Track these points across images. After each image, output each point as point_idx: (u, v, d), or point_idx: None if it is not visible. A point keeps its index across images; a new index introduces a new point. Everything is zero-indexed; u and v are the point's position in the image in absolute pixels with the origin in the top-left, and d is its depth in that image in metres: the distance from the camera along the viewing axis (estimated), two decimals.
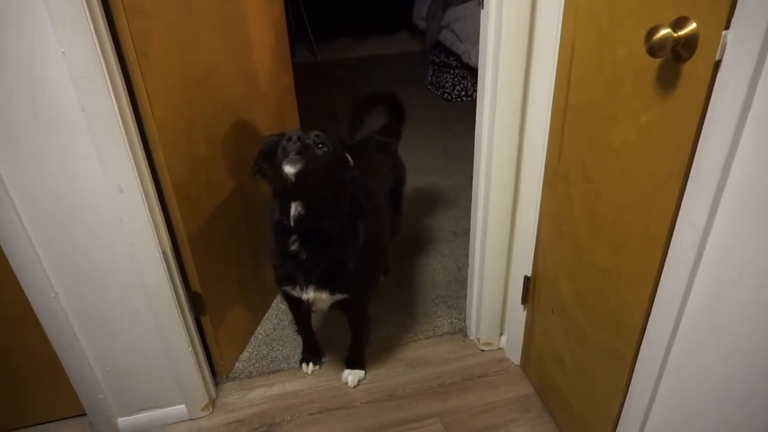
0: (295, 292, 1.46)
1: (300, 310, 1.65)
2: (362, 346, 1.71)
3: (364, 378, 1.70)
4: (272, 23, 1.84)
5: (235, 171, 1.67)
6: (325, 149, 1.25)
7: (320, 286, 1.43)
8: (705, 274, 0.85)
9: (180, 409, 1.57)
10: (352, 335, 1.69)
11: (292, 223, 1.31)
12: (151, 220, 1.28)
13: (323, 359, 1.77)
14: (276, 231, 1.38)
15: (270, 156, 1.28)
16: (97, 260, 1.30)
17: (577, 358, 1.33)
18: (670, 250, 0.91)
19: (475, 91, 3.77)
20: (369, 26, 5.45)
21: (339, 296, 1.47)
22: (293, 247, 1.35)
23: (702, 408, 0.91)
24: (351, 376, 1.68)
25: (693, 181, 0.83)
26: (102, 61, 1.09)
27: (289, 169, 1.18)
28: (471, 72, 3.77)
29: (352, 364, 1.71)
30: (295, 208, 1.29)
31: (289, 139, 1.19)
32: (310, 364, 1.74)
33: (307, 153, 1.19)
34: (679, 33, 0.79)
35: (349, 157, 1.36)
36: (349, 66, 4.88)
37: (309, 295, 1.45)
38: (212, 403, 1.62)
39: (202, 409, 1.58)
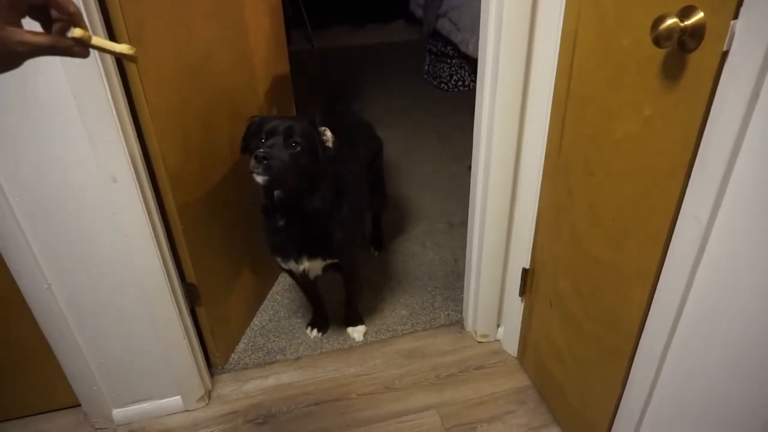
0: (289, 265, 1.56)
1: (300, 280, 1.72)
2: (356, 304, 1.84)
3: (366, 331, 1.82)
4: (268, 10, 1.81)
5: (230, 160, 1.64)
6: (297, 149, 1.32)
7: (311, 254, 1.54)
8: (707, 268, 0.84)
9: (175, 400, 1.56)
10: (346, 295, 1.80)
11: (276, 202, 1.42)
12: (145, 210, 1.26)
13: (328, 327, 1.86)
14: (264, 211, 1.48)
15: (254, 136, 1.38)
16: (90, 251, 1.28)
17: (574, 351, 1.33)
18: (671, 244, 0.90)
19: (473, 81, 3.77)
20: (366, 14, 5.40)
21: (330, 261, 1.58)
22: (280, 223, 1.45)
23: (701, 403, 0.91)
24: (356, 332, 1.81)
25: (697, 174, 0.82)
26: None
27: (257, 178, 1.29)
28: (468, 62, 3.74)
29: (352, 321, 1.83)
30: (276, 194, 1.41)
31: (261, 140, 1.32)
32: (315, 329, 1.83)
33: (272, 166, 1.27)
34: (686, 22, 0.77)
35: (329, 134, 1.42)
36: (345, 54, 4.84)
37: (304, 265, 1.55)
38: (208, 394, 1.61)
39: (198, 401, 1.58)
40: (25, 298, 1.30)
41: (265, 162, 1.25)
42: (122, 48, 0.64)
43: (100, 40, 0.62)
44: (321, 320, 1.84)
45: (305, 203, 1.41)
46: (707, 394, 0.89)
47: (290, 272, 1.65)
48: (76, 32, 0.59)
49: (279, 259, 1.58)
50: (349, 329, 1.82)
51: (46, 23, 0.61)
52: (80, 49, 0.61)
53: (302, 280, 1.69)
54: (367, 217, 2.06)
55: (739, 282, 0.78)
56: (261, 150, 1.26)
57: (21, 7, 0.57)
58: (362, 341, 1.79)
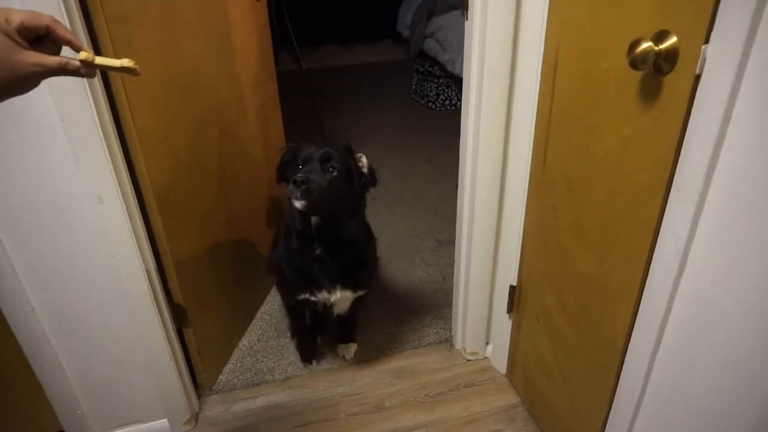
0: (320, 296, 1.52)
1: (308, 316, 1.73)
2: (355, 322, 1.81)
3: (356, 348, 1.81)
4: (256, 30, 1.83)
5: (219, 180, 1.65)
6: (335, 174, 1.32)
7: (344, 285, 1.52)
8: (688, 284, 0.86)
9: (162, 423, 1.54)
10: (350, 316, 1.74)
11: (314, 231, 1.40)
12: (132, 231, 1.26)
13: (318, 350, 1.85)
14: (298, 239, 1.45)
15: (289, 165, 1.40)
16: (76, 273, 1.27)
17: (562, 367, 1.33)
18: (653, 260, 0.92)
19: (459, 100, 3.82)
20: (353, 34, 5.48)
21: (360, 293, 1.57)
22: (317, 252, 1.43)
23: (687, 417, 0.91)
24: (347, 351, 1.78)
25: (675, 192, 0.84)
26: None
27: (296, 203, 1.28)
28: (455, 81, 3.80)
29: (345, 338, 1.80)
30: (314, 221, 1.39)
31: (299, 167, 1.32)
32: (314, 362, 1.79)
33: (311, 190, 1.26)
34: (660, 46, 0.80)
35: (364, 160, 1.43)
36: (333, 74, 4.89)
37: (336, 296, 1.52)
38: (195, 417, 1.59)
39: (185, 423, 1.55)
40: (7, 320, 1.28)
41: (304, 186, 1.24)
42: (123, 62, 0.69)
43: (102, 59, 0.68)
44: (313, 349, 1.81)
45: (343, 231, 1.41)
46: (693, 409, 0.89)
47: (305, 305, 1.62)
48: (82, 55, 0.66)
49: (306, 294, 1.53)
50: (341, 347, 1.80)
51: (49, 51, 0.66)
52: (87, 69, 0.67)
53: (320, 314, 1.70)
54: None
55: (721, 297, 0.80)
56: (299, 175, 1.26)
57: (28, 36, 0.63)
58: (351, 359, 1.78)
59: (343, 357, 1.78)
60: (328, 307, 1.60)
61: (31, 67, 0.62)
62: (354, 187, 1.38)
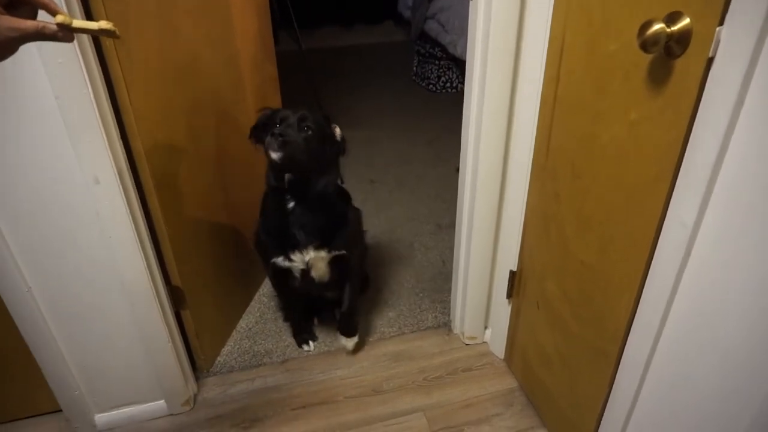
0: (294, 257, 1.51)
1: (294, 292, 1.69)
2: (355, 313, 1.73)
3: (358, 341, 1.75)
4: (256, 10, 1.79)
5: (217, 162, 1.63)
6: (309, 132, 1.38)
7: (319, 244, 1.50)
8: (692, 272, 0.85)
9: (159, 404, 1.54)
10: (346, 303, 1.68)
11: (286, 184, 1.43)
12: (129, 212, 1.24)
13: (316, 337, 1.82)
14: (272, 195, 1.49)
15: (263, 128, 1.42)
16: (72, 253, 1.26)
17: (561, 353, 1.33)
18: (657, 248, 0.91)
19: (461, 82, 3.78)
20: (354, 15, 5.39)
21: (336, 252, 1.54)
22: (290, 205, 1.46)
23: (685, 406, 0.91)
24: (350, 343, 1.73)
25: (683, 179, 0.83)
26: (77, 45, 1.04)
27: (272, 155, 1.33)
28: (456, 63, 3.76)
29: (348, 331, 1.73)
30: (287, 177, 1.42)
31: (276, 125, 1.36)
32: (310, 342, 1.78)
33: (288, 142, 1.33)
34: (673, 28, 0.78)
35: (338, 130, 1.48)
36: (333, 55, 4.83)
37: (309, 255, 1.51)
38: (193, 398, 1.59)
39: (183, 405, 1.56)
40: (4, 301, 1.27)
41: (281, 138, 1.31)
42: (101, 24, 0.67)
43: (80, 21, 0.66)
44: (308, 330, 1.81)
45: (314, 187, 1.44)
46: (692, 400, 0.89)
47: (283, 278, 1.60)
48: (59, 18, 0.64)
49: (281, 257, 1.51)
50: (343, 339, 1.72)
51: (25, 16, 0.64)
52: (64, 33, 0.65)
53: (311, 294, 1.68)
54: None
55: (724, 285, 0.79)
56: (277, 129, 1.32)
57: (2, 1, 0.61)
58: (350, 351, 1.75)
59: (347, 348, 1.74)
60: (308, 278, 1.56)
61: (6, 32, 0.60)
62: (326, 150, 1.43)
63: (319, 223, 1.49)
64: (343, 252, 1.55)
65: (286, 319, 1.86)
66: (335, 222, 1.53)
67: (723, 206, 0.77)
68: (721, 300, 0.79)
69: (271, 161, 1.36)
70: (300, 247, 1.50)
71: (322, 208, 1.49)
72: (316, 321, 1.87)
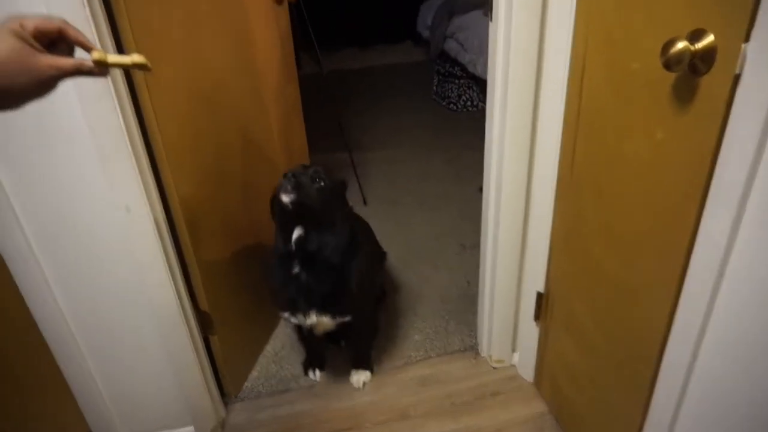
0: (296, 319, 1.50)
1: (306, 334, 1.69)
2: (368, 348, 1.73)
3: (370, 379, 1.71)
4: (278, 36, 1.84)
5: (242, 188, 1.65)
6: (322, 184, 1.36)
7: (322, 310, 1.47)
8: (727, 293, 0.82)
9: (188, 430, 1.55)
10: (355, 339, 1.70)
11: (293, 247, 1.38)
12: (159, 239, 1.27)
13: (325, 365, 1.79)
14: (279, 257, 1.44)
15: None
16: (104, 280, 1.29)
17: (593, 376, 1.30)
18: (689, 268, 0.89)
19: (481, 101, 3.78)
20: (374, 36, 5.48)
21: (340, 319, 1.51)
22: (295, 270, 1.41)
23: (727, 422, 0.88)
24: (356, 376, 1.70)
25: (713, 199, 0.81)
26: (109, 78, 1.08)
27: (284, 198, 1.30)
28: (476, 82, 3.77)
29: (359, 363, 1.72)
30: (296, 233, 1.37)
31: (285, 175, 1.33)
32: (316, 370, 1.75)
33: (300, 186, 1.30)
34: (697, 46, 0.77)
35: (349, 203, 1.49)
36: (353, 76, 4.89)
37: (312, 320, 1.48)
38: (221, 423, 1.60)
39: (212, 430, 1.56)
40: (38, 326, 1.30)
41: (294, 180, 1.29)
42: (134, 59, 0.70)
43: (114, 57, 0.69)
44: (316, 358, 1.77)
45: (322, 248, 1.38)
46: (731, 421, 0.86)
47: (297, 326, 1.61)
48: (95, 55, 0.67)
49: (287, 313, 1.52)
50: (353, 372, 1.71)
51: (63, 54, 0.68)
52: (100, 69, 0.68)
53: (308, 335, 1.67)
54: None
55: (761, 306, 0.76)
56: (291, 172, 1.31)
57: (43, 40, 0.65)
58: (359, 389, 1.69)
59: (353, 384, 1.70)
60: (311, 331, 1.57)
61: (48, 71, 0.63)
62: (336, 208, 1.41)
63: (323, 290, 1.44)
64: (347, 318, 1.52)
65: (300, 340, 1.84)
66: (341, 286, 1.46)
67: (758, 224, 0.74)
68: (759, 319, 0.77)
69: (281, 208, 1.32)
70: (301, 310, 1.48)
71: (327, 273, 1.43)
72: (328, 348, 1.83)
